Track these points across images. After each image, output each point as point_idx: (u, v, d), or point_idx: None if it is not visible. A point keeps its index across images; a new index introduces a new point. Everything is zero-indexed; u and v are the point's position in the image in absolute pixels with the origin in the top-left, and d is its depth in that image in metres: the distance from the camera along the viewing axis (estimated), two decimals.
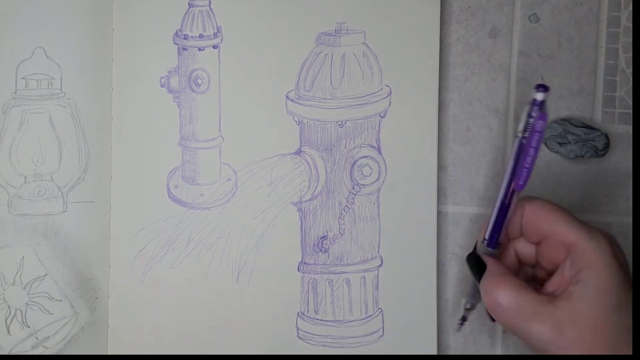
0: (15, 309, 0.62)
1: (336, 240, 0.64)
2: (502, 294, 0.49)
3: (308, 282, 0.64)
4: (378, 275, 0.64)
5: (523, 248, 0.55)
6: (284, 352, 0.64)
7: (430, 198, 0.64)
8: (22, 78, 0.63)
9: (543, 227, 0.52)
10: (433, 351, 0.64)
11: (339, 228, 0.64)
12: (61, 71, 0.63)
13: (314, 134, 0.64)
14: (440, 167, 0.65)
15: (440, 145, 0.65)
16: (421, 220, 0.64)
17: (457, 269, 0.65)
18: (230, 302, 0.64)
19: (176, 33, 0.64)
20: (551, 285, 0.51)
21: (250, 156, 0.64)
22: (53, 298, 0.63)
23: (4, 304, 0.62)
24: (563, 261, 0.51)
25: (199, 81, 0.64)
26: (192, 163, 0.64)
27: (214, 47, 0.64)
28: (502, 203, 0.54)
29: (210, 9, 0.64)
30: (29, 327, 0.62)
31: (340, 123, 0.64)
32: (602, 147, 0.64)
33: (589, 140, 0.64)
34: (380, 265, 0.64)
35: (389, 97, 0.64)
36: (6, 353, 0.62)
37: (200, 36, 0.63)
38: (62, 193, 0.63)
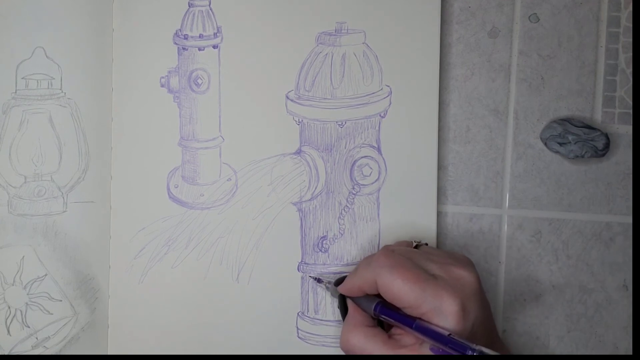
0: (15, 309, 0.62)
1: (336, 240, 0.64)
2: (355, 340, 0.56)
3: (308, 282, 0.64)
4: None
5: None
6: (284, 352, 0.64)
7: (430, 198, 0.64)
8: (22, 78, 0.63)
9: (395, 302, 0.55)
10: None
11: (339, 228, 0.64)
12: (61, 71, 0.63)
13: (314, 134, 0.64)
14: (440, 167, 0.65)
15: (440, 145, 0.65)
16: (421, 220, 0.64)
17: None
18: (231, 302, 0.64)
19: (176, 33, 0.64)
20: (396, 330, 0.57)
21: (250, 156, 0.64)
22: (53, 298, 0.62)
23: (4, 304, 0.62)
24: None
25: (199, 81, 0.64)
26: (192, 163, 0.64)
27: (214, 47, 0.64)
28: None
29: (210, 9, 0.64)
30: (29, 327, 0.62)
31: (340, 123, 0.64)
32: (602, 147, 0.64)
33: (589, 140, 0.64)
34: None
35: (389, 97, 0.64)
36: (6, 353, 0.62)
37: (200, 36, 0.63)
38: (62, 193, 0.63)
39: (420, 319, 0.54)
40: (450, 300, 0.53)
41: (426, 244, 0.62)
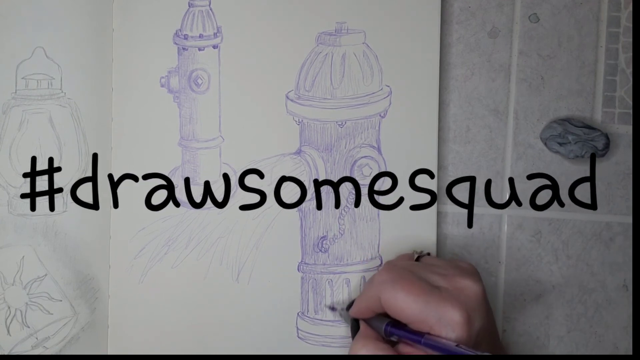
0: (15, 309, 0.62)
1: (336, 240, 0.64)
2: (365, 351, 0.55)
3: (308, 282, 0.64)
4: None
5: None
6: (284, 352, 0.64)
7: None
8: (22, 78, 0.63)
9: (400, 317, 0.55)
10: None
11: (339, 228, 0.64)
12: (61, 71, 0.63)
13: (314, 134, 0.64)
14: (440, 167, 0.65)
15: (440, 145, 0.65)
16: (421, 220, 0.64)
17: None
18: (230, 302, 0.64)
19: (176, 33, 0.64)
20: (404, 348, 0.56)
21: (250, 156, 0.64)
22: (53, 298, 0.62)
23: (4, 304, 0.62)
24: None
25: (199, 81, 0.64)
26: (192, 163, 0.64)
27: (214, 47, 0.64)
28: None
29: (210, 9, 0.64)
30: (29, 327, 0.62)
31: (340, 123, 0.64)
32: (602, 147, 0.64)
33: (589, 140, 0.64)
34: (380, 265, 0.64)
35: (389, 97, 0.64)
36: (6, 353, 0.62)
37: (200, 36, 0.63)
38: (62, 193, 0.63)
39: (427, 334, 0.54)
40: (455, 311, 0.53)
41: (428, 254, 0.62)
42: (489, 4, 0.66)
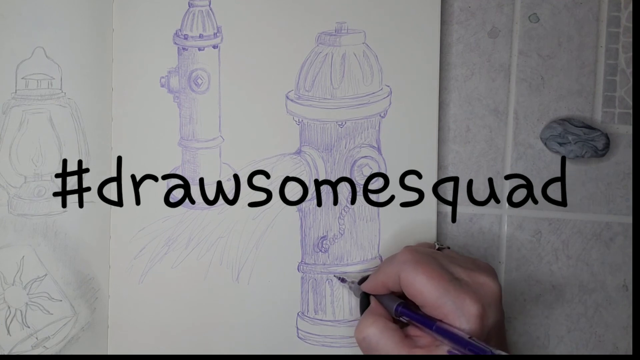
0: (15, 309, 0.62)
1: (336, 240, 0.64)
2: (372, 329, 0.56)
3: (308, 282, 0.64)
4: None
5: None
6: (284, 352, 0.64)
7: (430, 198, 0.64)
8: (22, 78, 0.63)
9: (416, 299, 0.55)
10: None
11: (339, 228, 0.64)
12: (61, 71, 0.63)
13: (314, 134, 0.64)
14: (440, 167, 0.65)
15: (440, 145, 0.65)
16: (421, 220, 0.64)
17: None
18: (230, 302, 0.64)
19: (176, 33, 0.64)
20: (413, 330, 0.56)
21: (250, 156, 0.64)
22: (53, 298, 0.62)
23: (4, 304, 0.62)
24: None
25: (199, 81, 0.64)
26: (192, 163, 0.64)
27: (214, 47, 0.64)
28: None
29: (210, 9, 0.64)
30: (29, 327, 0.62)
31: (340, 123, 0.64)
32: (602, 147, 0.64)
33: (589, 140, 0.64)
34: None
35: (389, 97, 0.64)
36: (6, 353, 0.62)
37: (200, 36, 0.63)
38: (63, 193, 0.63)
39: (440, 321, 0.54)
40: (472, 303, 0.53)
41: (448, 247, 0.62)
42: (489, 4, 0.66)
